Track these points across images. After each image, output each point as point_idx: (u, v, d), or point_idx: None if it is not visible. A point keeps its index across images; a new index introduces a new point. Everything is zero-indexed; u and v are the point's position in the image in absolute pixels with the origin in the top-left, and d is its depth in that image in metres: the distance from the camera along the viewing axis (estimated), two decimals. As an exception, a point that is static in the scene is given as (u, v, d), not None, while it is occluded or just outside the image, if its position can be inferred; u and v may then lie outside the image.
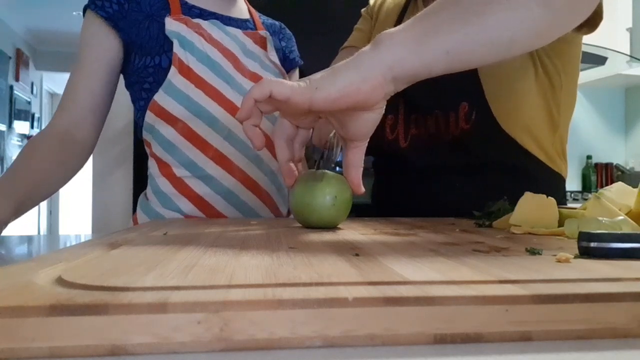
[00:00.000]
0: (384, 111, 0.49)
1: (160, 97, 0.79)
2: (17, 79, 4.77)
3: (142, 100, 0.83)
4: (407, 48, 0.45)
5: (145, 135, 0.84)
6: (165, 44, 0.80)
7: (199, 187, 0.80)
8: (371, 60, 0.45)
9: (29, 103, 5.17)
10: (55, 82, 5.80)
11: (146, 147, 0.87)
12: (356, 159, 0.52)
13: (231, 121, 0.81)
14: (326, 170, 0.57)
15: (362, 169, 0.52)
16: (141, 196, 0.88)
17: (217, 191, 0.81)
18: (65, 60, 5.26)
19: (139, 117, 0.85)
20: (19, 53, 4.80)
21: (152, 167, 0.84)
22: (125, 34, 0.82)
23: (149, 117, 0.81)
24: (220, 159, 0.81)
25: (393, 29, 0.47)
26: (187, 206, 0.80)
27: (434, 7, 0.47)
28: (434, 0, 0.49)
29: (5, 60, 4.51)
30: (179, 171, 0.81)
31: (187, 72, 0.79)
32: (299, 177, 0.55)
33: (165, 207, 0.81)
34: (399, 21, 0.90)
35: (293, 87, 0.45)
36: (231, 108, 0.81)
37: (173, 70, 0.78)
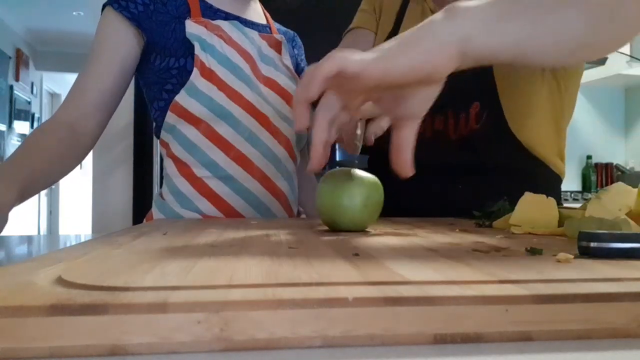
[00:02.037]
0: (441, 87, 0.47)
1: (183, 98, 0.79)
2: (17, 79, 4.77)
3: (161, 100, 0.83)
4: (482, 27, 0.44)
5: (164, 136, 0.84)
6: (191, 47, 0.81)
7: (219, 187, 0.81)
8: (446, 30, 0.43)
9: (29, 103, 5.17)
10: (55, 82, 5.81)
11: (162, 148, 0.87)
12: (409, 138, 0.48)
13: (252, 122, 0.82)
14: (354, 169, 0.53)
15: (412, 149, 0.49)
16: (156, 196, 0.88)
17: (237, 191, 0.81)
18: (65, 60, 5.27)
19: (157, 116, 0.85)
20: (19, 53, 4.80)
21: (170, 167, 0.84)
22: (150, 34, 0.82)
23: (170, 117, 0.81)
24: (241, 160, 0.82)
25: (468, 3, 0.45)
26: (206, 206, 0.81)
27: None
28: None
29: (5, 60, 4.51)
30: (199, 171, 0.81)
31: (209, 74, 0.79)
32: (325, 175, 0.52)
33: (184, 207, 0.81)
34: (400, 13, 0.89)
35: (363, 59, 0.42)
36: (252, 109, 0.82)
37: (195, 72, 0.79)
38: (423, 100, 0.46)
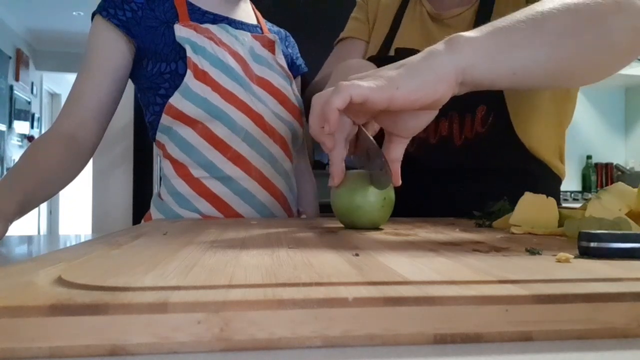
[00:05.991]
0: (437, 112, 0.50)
1: (177, 101, 0.79)
2: (17, 79, 4.77)
3: (156, 105, 0.83)
4: (481, 58, 0.47)
5: (160, 137, 0.84)
6: (181, 50, 0.81)
7: (217, 188, 0.81)
8: (447, 61, 0.46)
9: (29, 103, 5.17)
10: (55, 82, 5.80)
11: (159, 149, 0.87)
12: (399, 153, 0.53)
13: (247, 122, 0.82)
14: (366, 171, 0.56)
15: (400, 162, 0.54)
16: (154, 197, 0.88)
17: (235, 191, 0.81)
18: (65, 60, 5.26)
19: (153, 119, 0.85)
20: (19, 53, 4.80)
21: (167, 168, 0.84)
22: (140, 40, 0.82)
23: (166, 119, 0.81)
24: (238, 160, 0.82)
25: (470, 34, 0.48)
26: (204, 206, 0.81)
27: (513, 21, 0.49)
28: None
29: (5, 60, 4.51)
30: (197, 172, 0.81)
31: (202, 76, 0.79)
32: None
33: (183, 208, 0.81)
34: (397, 16, 0.90)
35: (370, 87, 0.44)
36: (246, 109, 0.82)
37: (189, 74, 0.79)
38: (420, 122, 0.50)
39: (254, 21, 0.95)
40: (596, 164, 3.02)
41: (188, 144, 0.81)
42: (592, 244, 0.33)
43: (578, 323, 0.23)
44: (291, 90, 0.90)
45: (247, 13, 0.94)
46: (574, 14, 0.49)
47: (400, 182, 0.53)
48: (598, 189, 2.80)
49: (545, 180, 0.83)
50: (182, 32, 0.81)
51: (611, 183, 2.83)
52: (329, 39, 1.01)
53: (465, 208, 0.70)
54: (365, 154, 0.56)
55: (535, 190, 0.54)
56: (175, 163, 0.83)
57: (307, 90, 0.99)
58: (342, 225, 0.58)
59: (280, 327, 0.21)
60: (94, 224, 2.05)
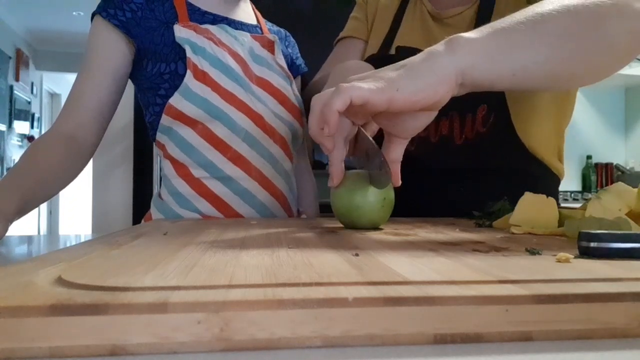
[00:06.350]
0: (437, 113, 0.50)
1: (177, 101, 0.79)
2: (17, 79, 4.76)
3: (156, 105, 0.83)
4: (481, 59, 0.47)
5: (160, 137, 0.84)
6: (180, 51, 0.81)
7: (217, 188, 0.81)
8: (447, 63, 0.46)
9: (29, 103, 5.17)
10: (55, 82, 5.80)
11: (159, 149, 0.87)
12: (398, 154, 0.53)
13: (247, 122, 0.82)
14: (366, 171, 0.56)
15: (400, 162, 0.54)
16: (154, 197, 0.89)
17: (235, 191, 0.81)
18: (65, 60, 5.27)
19: (153, 120, 0.85)
20: (19, 53, 4.80)
21: (167, 168, 0.84)
22: (139, 40, 0.82)
23: (166, 120, 0.81)
24: (238, 160, 0.82)
25: (470, 35, 0.47)
26: (205, 206, 0.81)
27: (513, 22, 0.49)
28: None
29: (5, 60, 4.51)
30: (197, 172, 0.81)
31: (202, 76, 0.79)
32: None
33: (183, 208, 0.82)
34: (397, 15, 0.90)
35: (370, 89, 0.45)
36: (246, 110, 0.82)
37: (189, 74, 0.79)
38: (420, 123, 0.50)
39: (253, 21, 0.95)
40: (596, 164, 3.03)
41: (188, 144, 0.81)
42: (592, 244, 0.33)
43: (578, 323, 0.23)
44: (291, 90, 0.90)
45: (247, 13, 0.94)
46: (574, 16, 0.49)
47: (400, 183, 0.53)
48: (598, 189, 2.80)
49: (545, 180, 0.83)
50: (181, 32, 0.81)
51: (611, 183, 2.84)
52: (329, 39, 1.01)
53: (465, 208, 0.70)
54: (364, 155, 0.56)
55: (535, 190, 0.54)
56: (175, 163, 0.83)
57: (307, 90, 0.99)
58: (342, 225, 0.58)
59: (280, 327, 0.21)
60: (94, 224, 2.05)
